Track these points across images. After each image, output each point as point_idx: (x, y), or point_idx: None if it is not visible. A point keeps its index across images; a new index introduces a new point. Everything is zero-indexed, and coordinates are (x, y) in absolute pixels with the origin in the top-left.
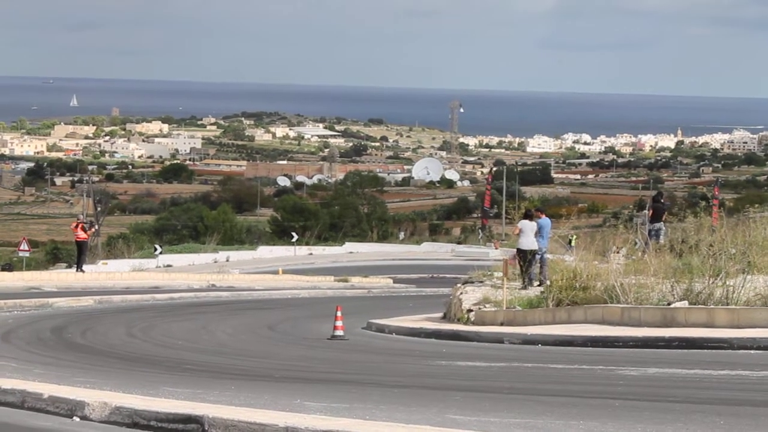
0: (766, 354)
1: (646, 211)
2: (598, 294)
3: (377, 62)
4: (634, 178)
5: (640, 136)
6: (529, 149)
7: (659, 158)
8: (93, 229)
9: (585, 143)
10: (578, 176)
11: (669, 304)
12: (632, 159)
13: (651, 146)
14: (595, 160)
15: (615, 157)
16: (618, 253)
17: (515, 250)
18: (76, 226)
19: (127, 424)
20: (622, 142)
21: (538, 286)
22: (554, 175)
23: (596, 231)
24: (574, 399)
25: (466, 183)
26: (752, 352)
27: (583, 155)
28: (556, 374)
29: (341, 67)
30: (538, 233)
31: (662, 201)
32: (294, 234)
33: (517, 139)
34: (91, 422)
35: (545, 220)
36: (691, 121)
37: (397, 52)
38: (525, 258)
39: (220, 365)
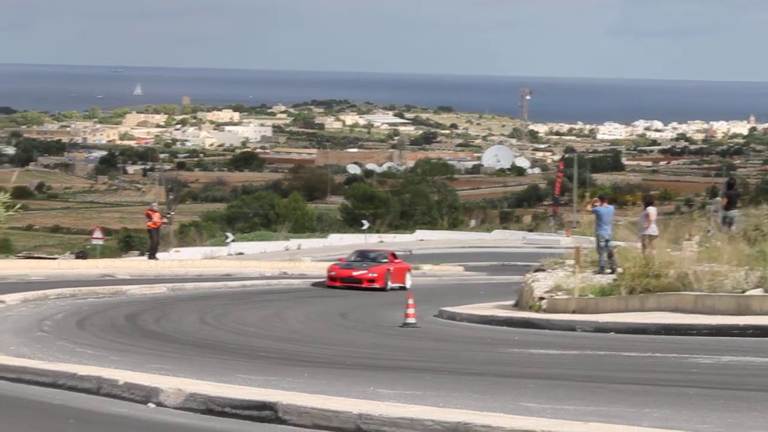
0: None
1: (719, 198)
2: (671, 282)
3: (446, 50)
4: (706, 165)
5: (712, 122)
6: (599, 136)
7: (732, 145)
8: (165, 219)
9: (656, 130)
10: (650, 163)
11: (743, 292)
12: (704, 146)
13: (723, 133)
14: (666, 147)
15: (687, 143)
16: (691, 240)
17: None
18: (149, 213)
19: (201, 411)
20: (694, 128)
21: (610, 273)
22: (625, 162)
23: (669, 218)
24: (647, 387)
25: (537, 170)
26: None
27: (654, 142)
28: (630, 362)
29: (411, 54)
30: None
31: (736, 188)
32: (365, 222)
33: (588, 126)
34: (166, 408)
35: (608, 208)
36: (765, 107)
37: (466, 39)
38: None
39: (293, 352)
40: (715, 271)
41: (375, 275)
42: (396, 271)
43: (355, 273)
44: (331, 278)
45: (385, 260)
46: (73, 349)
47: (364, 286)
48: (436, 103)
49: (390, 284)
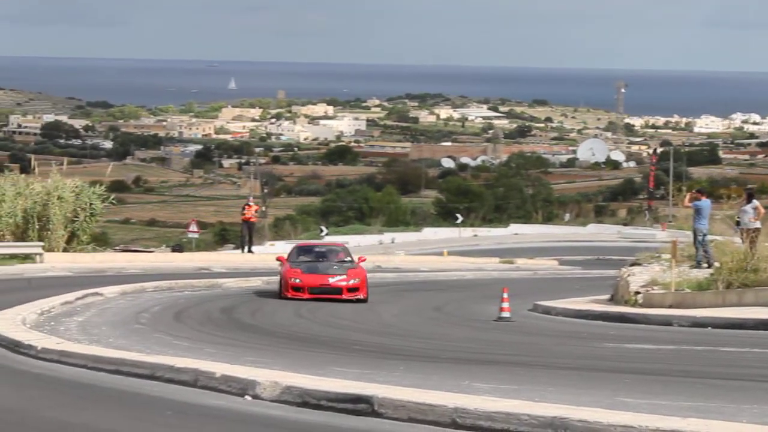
0: None
1: None
2: None
3: (541, 43)
4: None
5: None
6: (696, 129)
7: None
8: (258, 214)
9: (754, 123)
10: (747, 156)
11: None
12: None
13: None
14: (764, 140)
15: None
16: None
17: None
18: (245, 207)
19: (297, 404)
20: None
21: (707, 268)
22: (722, 156)
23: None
24: (746, 382)
25: (632, 164)
26: None
27: (752, 135)
28: (728, 357)
29: (505, 47)
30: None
31: None
32: (458, 215)
33: (684, 120)
34: (262, 401)
35: (707, 202)
36: None
37: (560, 32)
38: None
39: (388, 346)
40: None
41: (357, 281)
42: None
43: (332, 280)
44: (295, 288)
45: (351, 260)
46: (170, 341)
47: (344, 297)
48: (531, 97)
49: None
